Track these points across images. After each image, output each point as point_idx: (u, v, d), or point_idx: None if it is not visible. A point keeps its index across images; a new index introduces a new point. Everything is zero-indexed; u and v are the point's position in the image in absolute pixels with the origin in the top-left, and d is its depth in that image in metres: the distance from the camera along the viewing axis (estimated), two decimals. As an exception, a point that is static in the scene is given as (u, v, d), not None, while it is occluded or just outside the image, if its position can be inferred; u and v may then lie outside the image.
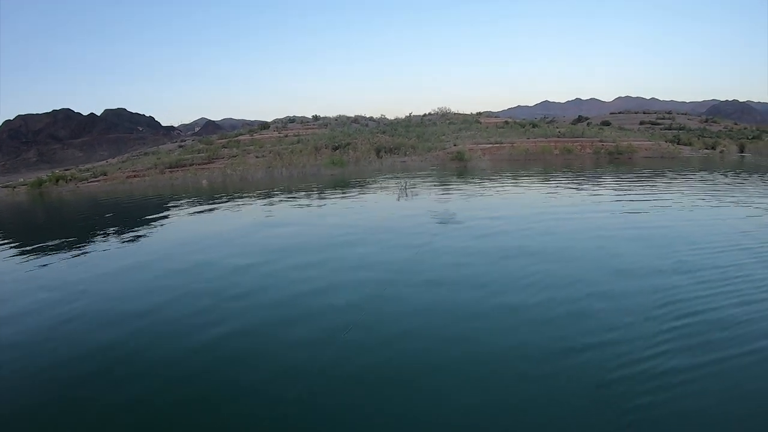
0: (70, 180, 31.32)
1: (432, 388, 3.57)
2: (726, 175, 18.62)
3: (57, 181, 31.44)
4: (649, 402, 3.23)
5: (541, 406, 3.30)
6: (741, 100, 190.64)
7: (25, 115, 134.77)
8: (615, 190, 14.85)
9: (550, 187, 16.04)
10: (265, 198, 16.39)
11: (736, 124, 62.60)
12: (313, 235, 9.24)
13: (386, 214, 11.09)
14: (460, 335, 4.39)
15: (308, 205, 13.98)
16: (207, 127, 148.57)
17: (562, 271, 6.01)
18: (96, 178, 31.14)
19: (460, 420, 3.20)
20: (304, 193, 17.27)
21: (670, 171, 21.47)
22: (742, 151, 35.45)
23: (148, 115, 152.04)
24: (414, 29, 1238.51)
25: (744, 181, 16.69)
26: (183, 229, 11.85)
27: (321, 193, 17.15)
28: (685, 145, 37.16)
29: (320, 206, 13.90)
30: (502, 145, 32.85)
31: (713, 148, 36.45)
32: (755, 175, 19.07)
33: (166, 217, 14.06)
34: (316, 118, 49.52)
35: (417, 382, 3.66)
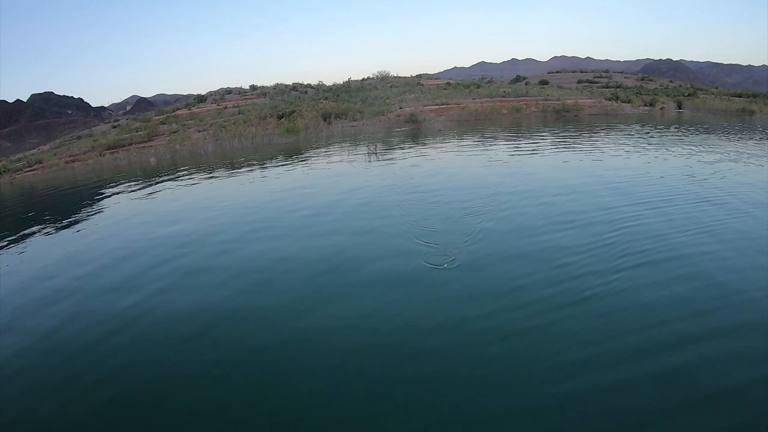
0: (5, 172, 27.95)
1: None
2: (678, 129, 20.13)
3: (-10, 175, 27.75)
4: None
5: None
6: (674, 59, 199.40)
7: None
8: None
9: (535, 145, 16.37)
10: (257, 168, 15.60)
11: (671, 81, 64.75)
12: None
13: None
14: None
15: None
16: (139, 104, 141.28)
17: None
18: (31, 167, 28.00)
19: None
20: (275, 162, 16.64)
21: (634, 126, 23.04)
22: (680, 108, 36.43)
23: (77, 97, 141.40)
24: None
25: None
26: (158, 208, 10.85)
27: (296, 161, 16.51)
28: (625, 102, 37.77)
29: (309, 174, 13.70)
30: (449, 106, 32.09)
31: (652, 105, 37.23)
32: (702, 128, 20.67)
33: (135, 196, 12.86)
34: (253, 87, 47.31)
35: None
